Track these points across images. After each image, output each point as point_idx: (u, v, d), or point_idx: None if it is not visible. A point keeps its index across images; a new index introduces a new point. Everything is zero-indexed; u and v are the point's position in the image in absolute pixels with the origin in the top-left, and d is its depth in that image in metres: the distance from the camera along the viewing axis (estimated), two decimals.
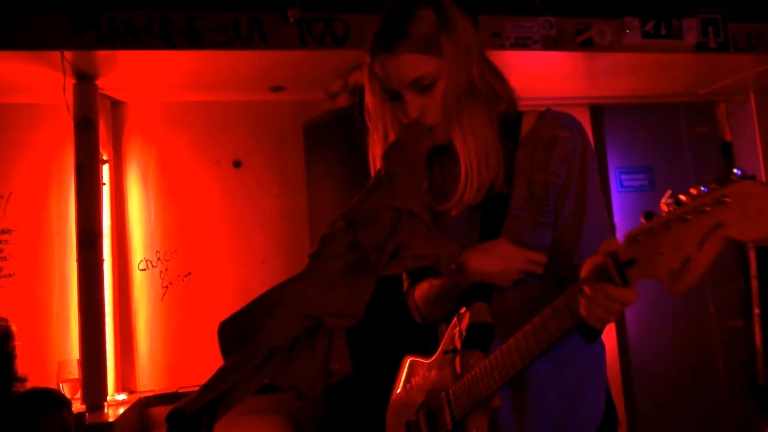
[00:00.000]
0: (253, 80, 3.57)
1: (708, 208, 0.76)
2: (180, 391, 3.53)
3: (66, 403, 2.01)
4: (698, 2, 3.54)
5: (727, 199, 0.74)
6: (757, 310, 3.61)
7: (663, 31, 3.47)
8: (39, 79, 3.21)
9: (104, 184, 3.43)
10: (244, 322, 0.97)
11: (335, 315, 0.97)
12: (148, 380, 3.54)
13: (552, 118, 1.23)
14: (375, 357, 3.11)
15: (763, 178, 4.55)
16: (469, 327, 1.22)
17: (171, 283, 3.65)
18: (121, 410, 3.09)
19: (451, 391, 1.26)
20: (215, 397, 0.82)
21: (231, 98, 3.83)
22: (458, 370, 1.24)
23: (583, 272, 0.96)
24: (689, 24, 3.52)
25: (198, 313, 3.62)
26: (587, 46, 3.42)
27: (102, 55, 3.00)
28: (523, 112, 1.28)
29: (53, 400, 2.00)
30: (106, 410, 3.07)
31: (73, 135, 3.23)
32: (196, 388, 3.30)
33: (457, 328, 1.26)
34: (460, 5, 1.26)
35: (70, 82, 3.20)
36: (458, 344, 1.25)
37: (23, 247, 3.47)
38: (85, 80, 3.23)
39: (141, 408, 3.45)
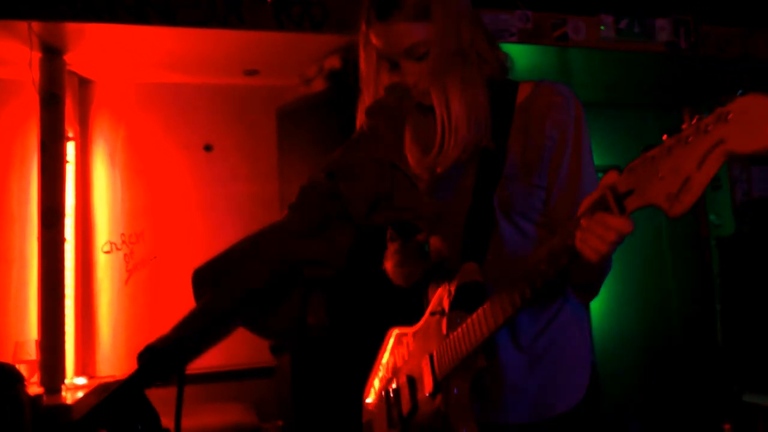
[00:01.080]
0: (227, 62, 3.52)
1: (710, 128, 0.76)
2: None
3: (19, 378, 1.93)
4: (671, 4, 3.62)
5: (730, 116, 0.74)
6: (718, 306, 3.69)
7: (636, 29, 3.53)
8: (2, 52, 3.11)
9: (69, 162, 3.33)
10: (218, 268, 0.93)
11: (313, 263, 0.95)
12: (109, 366, 3.45)
13: (547, 86, 1.25)
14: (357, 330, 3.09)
15: (729, 180, 4.68)
16: (459, 287, 1.21)
17: (136, 267, 3.56)
18: (80, 394, 3.00)
19: (434, 352, 1.25)
20: (189, 335, 0.78)
21: (203, 81, 3.76)
22: (444, 330, 1.23)
23: (581, 210, 0.96)
24: (662, 24, 3.59)
25: (163, 299, 3.54)
26: (563, 40, 3.46)
27: (71, 27, 2.92)
28: (519, 82, 1.29)
29: (5, 375, 1.92)
30: (63, 393, 2.97)
31: (38, 111, 3.13)
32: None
33: (447, 290, 1.25)
34: None
35: (37, 55, 3.11)
36: (446, 306, 1.24)
37: None
38: (52, 54, 3.14)
39: (100, 393, 3.35)
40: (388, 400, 1.42)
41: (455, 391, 1.20)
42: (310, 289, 1.02)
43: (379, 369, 1.54)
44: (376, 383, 1.53)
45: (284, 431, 3.18)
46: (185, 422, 2.82)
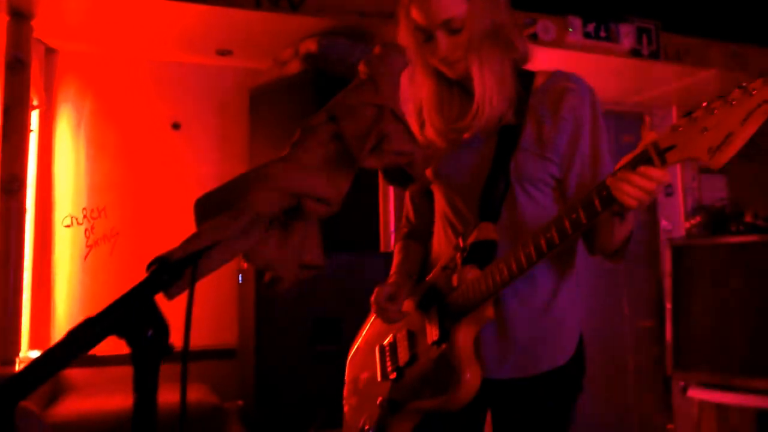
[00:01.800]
0: (201, 41, 3.49)
1: (755, 92, 0.87)
2: (98, 355, 3.37)
3: None
4: (635, 10, 3.77)
5: None
6: (668, 305, 3.84)
7: (603, 34, 3.67)
8: None
9: (32, 130, 3.25)
10: (224, 197, 0.95)
11: (314, 198, 0.97)
12: None
13: (562, 74, 1.39)
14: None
15: (679, 190, 4.88)
16: (474, 243, 1.30)
17: (96, 243, 3.49)
18: None
19: (444, 302, 1.32)
20: (200, 249, 0.80)
21: (175, 59, 3.72)
22: (454, 283, 1.30)
23: (618, 166, 1.07)
24: (626, 30, 3.74)
25: (123, 276, 3.47)
26: (533, 39, 3.56)
27: None
28: (535, 72, 1.42)
29: None
30: (17, 366, 2.89)
31: (2, 76, 3.05)
32: (115, 352, 3.14)
33: (459, 247, 1.33)
34: None
35: (5, 19, 3.02)
36: (459, 261, 1.29)
37: None
38: (19, 18, 3.06)
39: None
40: (382, 354, 1.46)
41: (462, 338, 1.27)
42: (309, 225, 1.05)
43: (365, 329, 1.58)
44: (361, 343, 1.56)
45: (244, 411, 3.16)
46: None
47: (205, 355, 3.42)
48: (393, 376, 1.43)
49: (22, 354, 3.01)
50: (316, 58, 3.24)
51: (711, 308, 3.64)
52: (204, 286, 0.76)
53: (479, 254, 1.29)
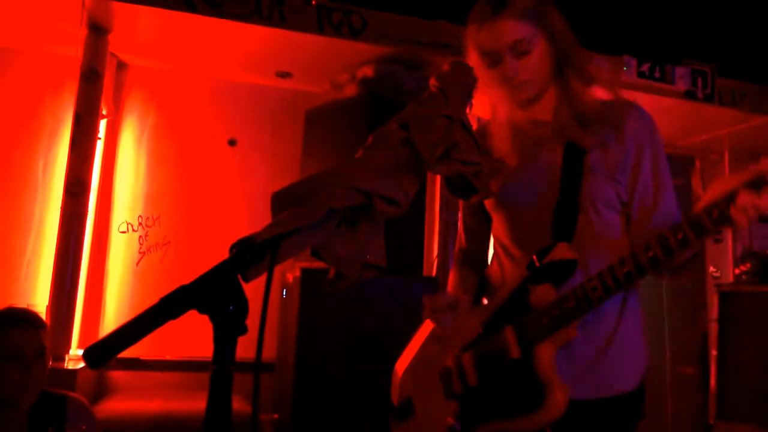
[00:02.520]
0: (263, 62, 3.63)
1: None
2: (141, 358, 3.46)
3: (43, 324, 1.97)
4: (690, 53, 3.77)
5: None
6: (714, 352, 3.75)
7: (657, 75, 3.68)
8: (54, 26, 3.22)
9: (99, 138, 3.41)
10: (299, 191, 1.01)
11: (384, 198, 1.02)
12: None
13: (623, 100, 1.45)
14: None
15: (729, 236, 4.78)
16: (552, 263, 1.31)
17: (149, 250, 3.61)
18: (81, 365, 3.01)
19: (520, 322, 1.32)
20: (282, 233, 0.85)
21: (236, 78, 3.87)
22: (531, 302, 1.31)
23: (729, 185, 1.13)
24: (681, 72, 3.75)
25: (171, 284, 3.50)
26: None
27: (121, 8, 3.03)
28: (596, 98, 1.46)
29: (33, 317, 1.95)
30: (66, 363, 2.99)
31: (77, 85, 3.22)
32: (158, 357, 3.22)
33: (526, 268, 1.34)
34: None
35: (84, 32, 3.21)
36: (532, 279, 1.33)
37: (6, 192, 3.41)
38: (97, 32, 3.24)
39: (100, 370, 3.36)
40: (446, 376, 1.44)
41: (545, 357, 1.28)
42: (375, 226, 1.10)
43: (415, 349, 1.57)
44: (415, 362, 1.56)
45: (279, 425, 3.19)
46: (182, 405, 2.90)
47: (243, 366, 3.47)
48: (461, 396, 1.41)
49: (71, 352, 3.12)
50: (372, 84, 3.33)
51: (758, 357, 3.54)
52: (251, 304, 0.80)
53: (556, 273, 1.31)
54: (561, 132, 1.41)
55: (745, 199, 1.10)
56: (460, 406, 1.39)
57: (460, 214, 1.70)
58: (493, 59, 1.40)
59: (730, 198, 1.11)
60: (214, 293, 0.82)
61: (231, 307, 0.82)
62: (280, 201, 1.01)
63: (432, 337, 1.53)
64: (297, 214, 0.91)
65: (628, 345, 1.39)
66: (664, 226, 1.29)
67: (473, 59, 1.44)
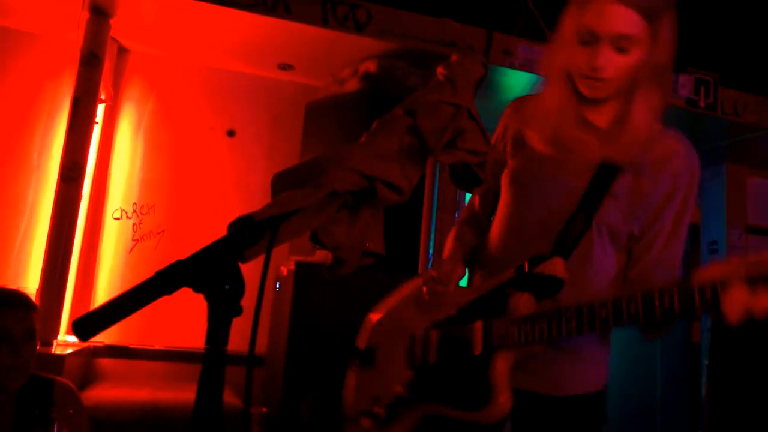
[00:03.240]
0: (265, 53, 3.60)
1: None
2: (130, 347, 3.43)
3: (34, 307, 1.94)
4: (694, 61, 3.77)
5: None
6: (706, 362, 3.74)
7: None
8: (54, 9, 3.19)
9: (97, 123, 3.38)
10: (301, 173, 0.98)
11: (386, 184, 1.00)
12: None
13: (675, 133, 1.36)
14: None
15: (725, 248, 4.78)
16: (540, 275, 1.27)
17: (142, 238, 3.57)
18: (69, 351, 2.97)
19: (492, 322, 1.30)
20: (282, 213, 0.83)
21: (237, 69, 3.84)
22: (509, 306, 1.29)
23: (728, 273, 1.01)
24: (684, 80, 3.74)
25: None
26: None
27: None
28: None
29: (24, 299, 1.92)
30: (54, 349, 2.95)
31: (76, 69, 3.19)
32: (147, 346, 3.19)
33: (519, 271, 1.31)
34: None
35: (85, 15, 3.18)
36: (517, 284, 1.30)
37: (0, 174, 3.37)
38: (99, 16, 3.21)
39: (88, 356, 3.33)
40: (412, 342, 1.44)
41: (503, 363, 1.27)
42: (376, 213, 1.08)
43: (396, 299, 1.56)
44: (392, 314, 1.55)
45: (267, 419, 3.16)
46: (171, 395, 2.87)
47: (233, 359, 3.44)
48: (416, 369, 1.41)
49: (60, 337, 3.08)
50: (375, 79, 3.31)
51: (750, 369, 3.53)
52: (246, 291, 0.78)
53: (541, 287, 1.26)
54: (608, 146, 1.32)
55: (736, 294, 0.99)
56: (414, 377, 1.40)
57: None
58: (586, 39, 1.27)
59: (722, 286, 1.01)
60: (210, 271, 0.80)
61: (227, 286, 0.79)
62: (281, 182, 0.99)
63: (412, 299, 1.53)
64: (298, 195, 0.89)
65: (591, 356, 1.38)
66: (660, 277, 1.28)
67: (567, 27, 1.32)
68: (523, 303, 1.27)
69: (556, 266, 1.28)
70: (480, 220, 1.60)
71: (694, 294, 1.04)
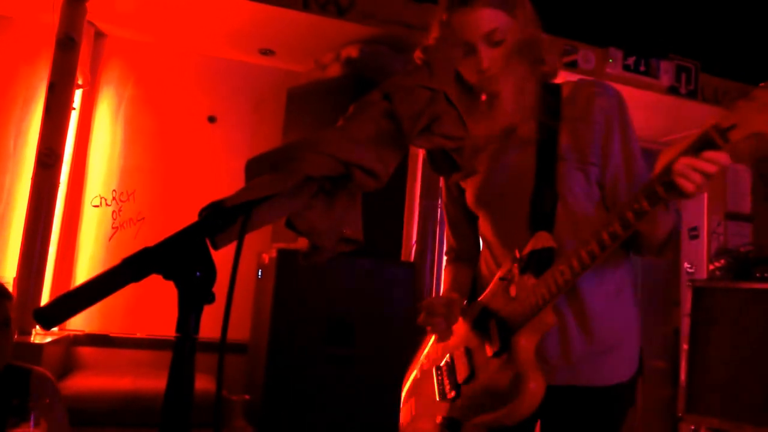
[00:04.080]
0: (246, 38, 3.55)
1: None
2: (111, 335, 3.40)
3: (8, 295, 1.91)
4: (678, 48, 3.78)
5: None
6: (685, 346, 3.78)
7: (642, 68, 3.68)
8: None
9: (74, 108, 3.32)
10: (275, 158, 0.96)
11: (363, 169, 0.98)
12: (80, 320, 3.39)
13: (586, 80, 1.42)
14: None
15: (704, 234, 4.84)
16: (531, 252, 1.28)
17: (122, 225, 3.53)
18: (48, 339, 2.94)
19: (502, 313, 1.30)
20: (255, 198, 0.81)
21: (218, 54, 3.79)
22: (513, 293, 1.29)
23: (674, 153, 1.08)
24: (665, 67, 3.75)
25: None
26: (572, 67, 3.58)
27: None
28: (561, 83, 1.43)
29: None
30: (32, 338, 2.92)
31: (52, 53, 3.12)
32: (128, 334, 3.16)
33: (514, 259, 1.31)
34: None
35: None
36: (516, 272, 1.30)
37: None
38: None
39: (68, 345, 3.30)
40: (439, 374, 1.45)
41: (523, 346, 1.25)
42: (353, 199, 1.06)
43: (419, 357, 1.57)
44: (418, 371, 1.56)
45: (250, 405, 3.15)
46: (154, 384, 2.85)
47: (216, 347, 3.43)
48: (452, 394, 1.40)
49: (38, 326, 3.04)
50: (357, 64, 3.28)
51: (728, 353, 3.58)
52: (221, 277, 0.76)
53: (537, 262, 1.27)
54: (531, 115, 1.37)
55: (682, 162, 1.06)
56: (452, 402, 1.39)
57: (444, 214, 1.66)
58: (466, 48, 1.34)
59: (671, 164, 1.08)
60: (180, 257, 0.78)
61: (198, 273, 0.78)
62: (255, 167, 0.97)
63: (431, 344, 1.55)
64: (271, 180, 0.87)
65: (623, 333, 1.37)
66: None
67: (444, 46, 1.35)
68: (525, 283, 1.27)
69: (542, 239, 1.29)
70: (464, 251, 1.61)
71: (654, 184, 1.10)
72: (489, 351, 1.31)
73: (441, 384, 1.45)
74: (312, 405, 3.04)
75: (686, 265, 4.83)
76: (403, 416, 1.58)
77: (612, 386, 1.35)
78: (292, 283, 3.07)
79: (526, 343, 1.25)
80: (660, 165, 1.12)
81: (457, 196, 1.58)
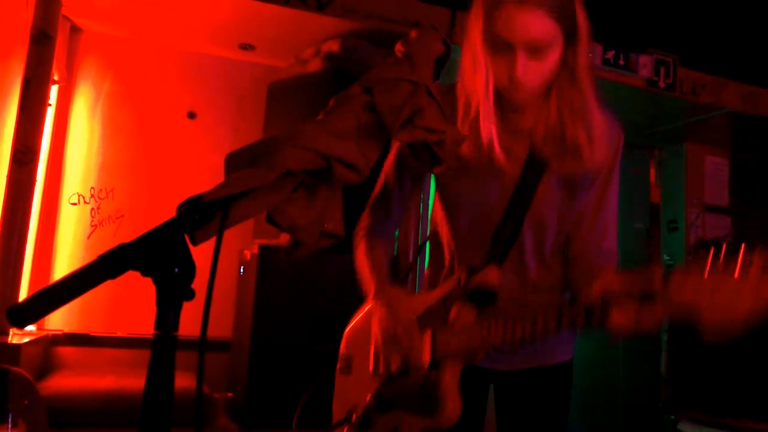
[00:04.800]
0: (225, 33, 3.52)
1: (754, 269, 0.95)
2: (91, 334, 3.36)
3: None
4: (656, 42, 3.80)
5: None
6: (666, 337, 3.83)
7: (621, 62, 3.70)
8: None
9: (50, 105, 3.26)
10: (255, 152, 0.95)
11: (344, 163, 0.97)
12: (59, 319, 3.34)
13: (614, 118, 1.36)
14: None
15: (685, 224, 4.89)
16: (476, 289, 1.30)
17: (101, 223, 3.49)
18: (26, 339, 2.90)
19: (437, 333, 1.34)
20: (233, 193, 0.80)
21: (198, 50, 3.75)
22: (450, 317, 1.32)
23: (617, 286, 1.10)
24: (644, 61, 3.78)
25: None
26: None
27: None
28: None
29: None
30: (10, 338, 2.87)
31: (26, 49, 3.06)
32: (110, 333, 3.13)
33: (459, 279, 1.33)
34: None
35: None
36: (458, 297, 1.32)
37: None
38: None
39: (47, 345, 3.25)
40: (376, 353, 1.46)
41: (449, 373, 1.31)
42: (334, 193, 1.05)
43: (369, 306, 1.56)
44: (363, 323, 1.56)
45: (233, 403, 3.13)
46: (136, 383, 2.83)
47: (197, 344, 3.40)
48: (383, 377, 1.43)
49: None
50: (338, 59, 3.26)
51: (707, 344, 3.62)
52: (203, 274, 0.75)
53: (480, 298, 1.30)
54: (537, 149, 1.30)
55: (621, 312, 1.05)
56: (381, 386, 1.43)
57: (390, 181, 1.50)
58: (500, 47, 1.21)
59: (609, 303, 1.08)
60: (158, 254, 0.76)
61: (176, 270, 0.76)
62: (235, 162, 0.95)
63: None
64: (251, 174, 0.86)
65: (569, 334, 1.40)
66: (594, 254, 1.34)
67: (473, 35, 1.27)
68: (464, 313, 1.30)
69: (489, 276, 1.29)
70: (390, 227, 1.55)
71: (595, 309, 1.10)
72: (420, 358, 1.34)
73: (376, 362, 1.45)
74: (296, 402, 3.03)
75: (665, 257, 4.88)
76: (340, 367, 1.59)
77: (556, 365, 1.42)
78: (274, 279, 3.05)
79: (452, 370, 1.31)
80: (594, 295, 1.13)
81: (411, 169, 1.46)
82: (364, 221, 1.58)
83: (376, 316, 1.43)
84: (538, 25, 1.16)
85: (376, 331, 1.43)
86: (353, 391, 1.52)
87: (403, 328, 1.37)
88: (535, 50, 1.19)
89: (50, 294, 0.69)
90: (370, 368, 1.48)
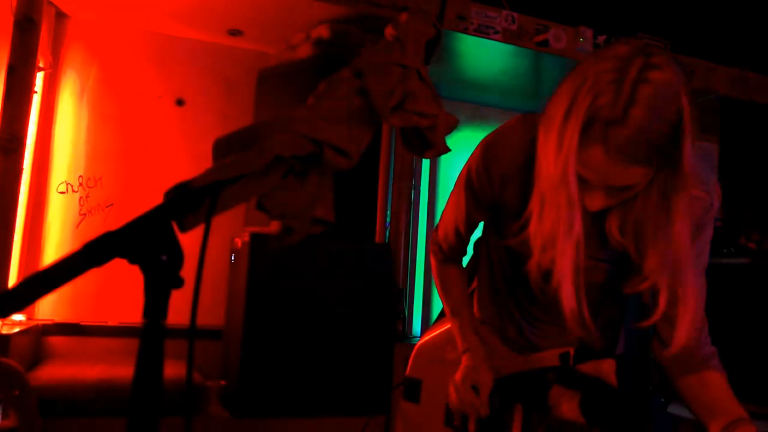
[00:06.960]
0: (214, 18, 3.47)
1: None
2: (81, 324, 3.34)
3: None
4: (647, 28, 3.79)
5: None
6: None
7: None
8: None
9: (36, 92, 3.22)
10: (245, 138, 0.94)
11: (334, 148, 0.96)
12: (49, 308, 3.32)
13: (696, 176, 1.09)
14: None
15: None
16: (590, 378, 1.20)
17: (90, 212, 3.45)
18: (16, 330, 2.87)
19: (533, 414, 1.26)
20: (222, 179, 0.79)
21: (186, 35, 3.70)
22: (550, 401, 1.24)
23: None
24: None
25: None
26: (543, 46, 3.58)
27: None
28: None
29: None
30: (0, 328, 2.85)
31: (9, 35, 3.01)
32: (100, 322, 3.10)
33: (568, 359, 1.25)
34: None
35: None
36: (560, 375, 1.23)
37: None
38: None
39: (38, 335, 3.23)
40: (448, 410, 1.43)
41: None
42: (324, 178, 1.04)
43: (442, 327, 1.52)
44: (434, 345, 1.52)
45: (225, 391, 3.13)
46: (127, 372, 2.81)
47: (188, 333, 3.39)
48: (457, 429, 1.39)
49: None
50: (328, 45, 3.23)
51: None
52: (193, 263, 0.73)
53: (588, 389, 1.18)
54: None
55: None
56: None
57: (463, 211, 1.33)
58: (607, 122, 0.96)
59: None
60: (145, 241, 0.75)
61: (163, 257, 0.75)
62: (223, 147, 0.94)
63: (453, 341, 1.48)
64: (240, 160, 0.85)
65: None
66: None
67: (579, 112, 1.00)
68: (567, 403, 1.19)
69: (605, 368, 1.19)
70: (453, 255, 1.46)
71: None
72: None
73: (449, 414, 1.42)
74: (289, 389, 3.03)
75: None
76: (412, 369, 1.53)
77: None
78: (266, 266, 3.04)
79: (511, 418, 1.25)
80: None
81: (485, 208, 1.31)
82: (443, 243, 1.45)
83: (461, 371, 1.35)
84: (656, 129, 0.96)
85: (458, 384, 1.34)
86: (422, 422, 1.47)
87: (486, 395, 1.29)
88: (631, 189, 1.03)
89: (35, 283, 0.67)
90: (443, 410, 1.44)
